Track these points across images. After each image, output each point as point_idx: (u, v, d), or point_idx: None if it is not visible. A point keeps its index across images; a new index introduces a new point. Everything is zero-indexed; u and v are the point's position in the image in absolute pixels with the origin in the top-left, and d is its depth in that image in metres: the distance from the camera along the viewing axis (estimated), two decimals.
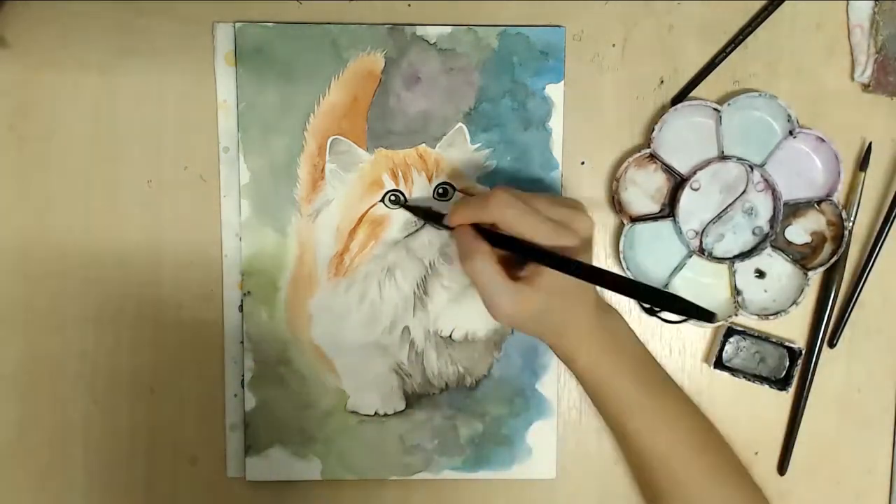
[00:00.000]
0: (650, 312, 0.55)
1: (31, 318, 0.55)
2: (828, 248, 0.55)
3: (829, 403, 0.57)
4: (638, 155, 0.54)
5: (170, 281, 0.55)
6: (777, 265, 0.55)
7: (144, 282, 0.55)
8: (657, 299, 0.43)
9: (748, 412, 0.57)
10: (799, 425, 0.56)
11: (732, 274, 0.55)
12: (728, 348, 0.56)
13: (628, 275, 0.54)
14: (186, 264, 0.55)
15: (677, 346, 0.57)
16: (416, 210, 0.53)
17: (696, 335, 0.57)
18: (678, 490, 0.50)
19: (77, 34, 0.54)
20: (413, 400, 0.56)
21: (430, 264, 0.55)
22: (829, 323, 0.56)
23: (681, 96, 0.55)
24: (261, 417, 0.55)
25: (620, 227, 0.55)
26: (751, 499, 0.51)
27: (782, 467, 0.57)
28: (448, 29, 0.54)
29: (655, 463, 0.50)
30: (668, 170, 0.54)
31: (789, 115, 0.53)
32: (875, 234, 0.55)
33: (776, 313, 0.55)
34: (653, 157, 0.54)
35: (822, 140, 0.53)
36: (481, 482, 0.56)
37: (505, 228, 0.46)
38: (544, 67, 0.54)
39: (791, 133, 0.54)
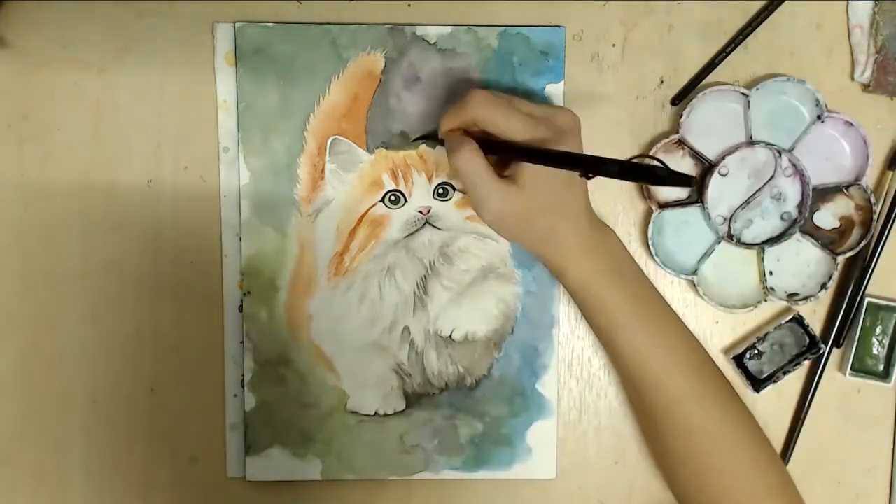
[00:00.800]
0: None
1: (31, 319, 0.55)
2: (856, 232, 0.55)
3: (829, 403, 0.57)
4: (666, 140, 0.54)
5: (170, 281, 0.55)
6: (806, 250, 0.55)
7: (144, 282, 0.55)
8: (636, 173, 0.43)
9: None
10: (806, 416, 0.56)
11: (761, 259, 0.55)
12: (751, 364, 0.56)
13: (657, 261, 0.54)
14: (186, 264, 0.55)
15: None
16: (419, 139, 0.53)
17: (696, 336, 0.57)
18: (672, 410, 0.49)
19: (77, 34, 0.54)
20: (413, 400, 0.56)
21: (430, 264, 0.55)
22: (847, 314, 0.56)
23: (681, 96, 0.55)
24: (261, 417, 0.55)
25: (649, 213, 0.55)
26: (743, 419, 0.50)
27: (784, 458, 0.57)
28: (448, 29, 0.54)
29: (649, 381, 0.49)
30: (696, 155, 0.54)
31: (818, 100, 0.53)
32: (876, 233, 0.55)
33: (806, 298, 0.55)
34: (681, 142, 0.54)
35: (851, 124, 0.53)
36: (481, 482, 0.56)
37: (486, 126, 0.46)
38: (544, 67, 0.54)
39: (819, 118, 0.53)
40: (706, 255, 0.55)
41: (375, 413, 0.56)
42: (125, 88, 0.54)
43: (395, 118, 0.54)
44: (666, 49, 0.55)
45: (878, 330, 0.55)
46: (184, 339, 0.55)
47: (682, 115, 0.53)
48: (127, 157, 0.54)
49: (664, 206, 0.55)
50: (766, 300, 0.55)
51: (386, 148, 0.54)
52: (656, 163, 0.42)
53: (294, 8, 0.54)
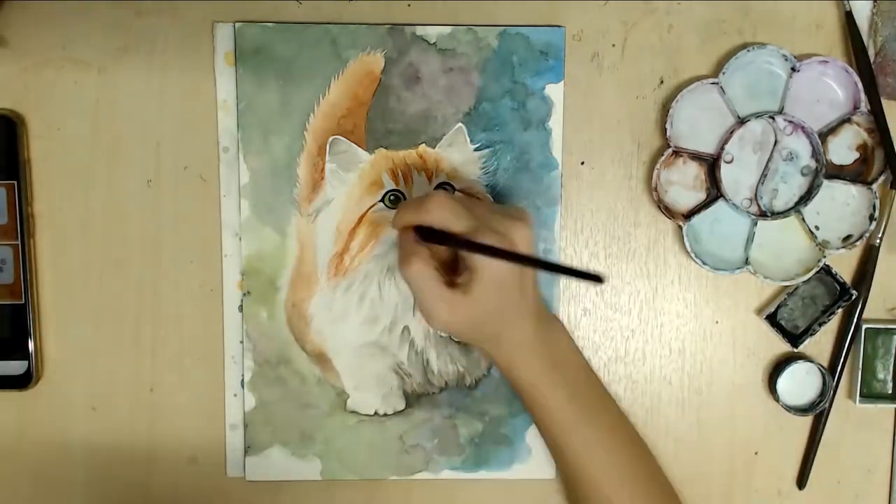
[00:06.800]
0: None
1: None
2: (878, 154, 0.54)
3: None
4: (663, 157, 0.54)
5: (170, 281, 0.55)
6: (839, 192, 0.55)
7: (144, 282, 0.55)
8: (558, 270, 0.46)
9: (746, 412, 0.57)
10: (822, 433, 0.57)
11: (802, 221, 0.55)
12: (785, 321, 0.56)
13: (708, 268, 0.54)
14: (186, 264, 0.55)
15: (676, 345, 0.57)
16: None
17: (696, 335, 0.57)
18: None
19: (77, 34, 0.54)
20: (413, 399, 0.56)
21: None
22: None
23: None
24: (261, 417, 0.55)
25: (679, 229, 0.55)
26: None
27: (801, 481, 0.57)
28: (448, 29, 0.54)
29: (587, 484, 0.49)
30: (697, 156, 0.55)
31: (784, 55, 0.53)
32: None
33: (860, 237, 0.54)
34: (677, 152, 0.54)
35: (826, 61, 0.53)
36: (481, 482, 0.56)
37: (441, 228, 0.45)
38: (544, 67, 0.54)
39: (794, 69, 0.53)
40: (749, 241, 0.55)
41: (375, 413, 0.56)
42: (125, 88, 0.54)
43: (395, 118, 0.54)
44: (666, 49, 0.55)
45: (881, 353, 0.56)
46: (184, 339, 0.55)
47: (666, 128, 0.54)
48: (127, 157, 0.54)
49: (689, 215, 0.55)
50: (825, 256, 0.54)
51: (386, 148, 0.54)
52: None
53: (294, 8, 0.54)
